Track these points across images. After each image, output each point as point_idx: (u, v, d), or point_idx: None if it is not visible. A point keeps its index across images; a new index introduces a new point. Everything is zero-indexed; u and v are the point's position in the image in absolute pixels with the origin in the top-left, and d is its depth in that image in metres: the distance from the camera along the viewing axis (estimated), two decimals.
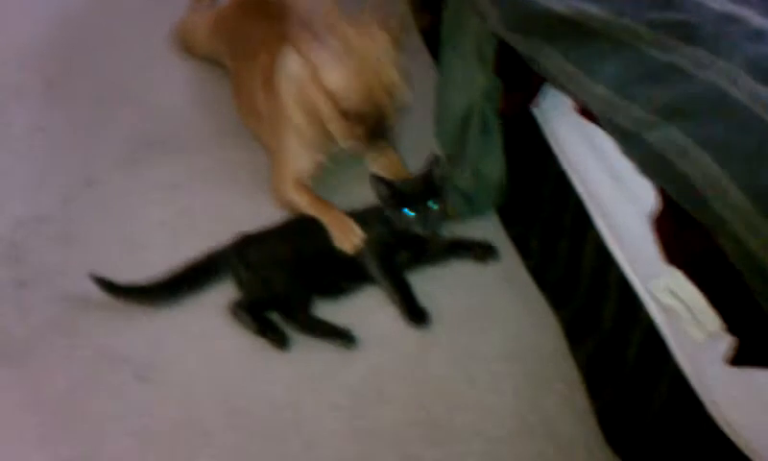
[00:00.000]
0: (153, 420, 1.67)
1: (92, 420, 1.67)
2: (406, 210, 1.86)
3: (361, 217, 1.94)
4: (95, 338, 1.82)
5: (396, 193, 1.88)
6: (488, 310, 1.91)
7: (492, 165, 1.99)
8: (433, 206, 1.87)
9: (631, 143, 1.23)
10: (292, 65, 2.00)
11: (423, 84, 2.14)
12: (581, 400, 1.71)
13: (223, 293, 1.90)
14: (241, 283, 1.88)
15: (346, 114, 1.89)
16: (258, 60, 2.19)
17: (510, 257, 2.02)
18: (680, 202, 1.12)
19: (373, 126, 1.90)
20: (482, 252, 2.00)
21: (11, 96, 2.52)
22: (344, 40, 1.86)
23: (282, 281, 1.84)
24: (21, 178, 2.22)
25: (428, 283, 1.95)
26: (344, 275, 1.92)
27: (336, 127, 1.94)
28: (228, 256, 1.91)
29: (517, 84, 1.76)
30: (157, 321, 1.85)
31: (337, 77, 1.87)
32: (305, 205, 2.03)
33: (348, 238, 1.90)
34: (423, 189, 1.88)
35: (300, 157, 2.08)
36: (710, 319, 1.14)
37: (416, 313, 1.86)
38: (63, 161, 2.28)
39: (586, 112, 1.47)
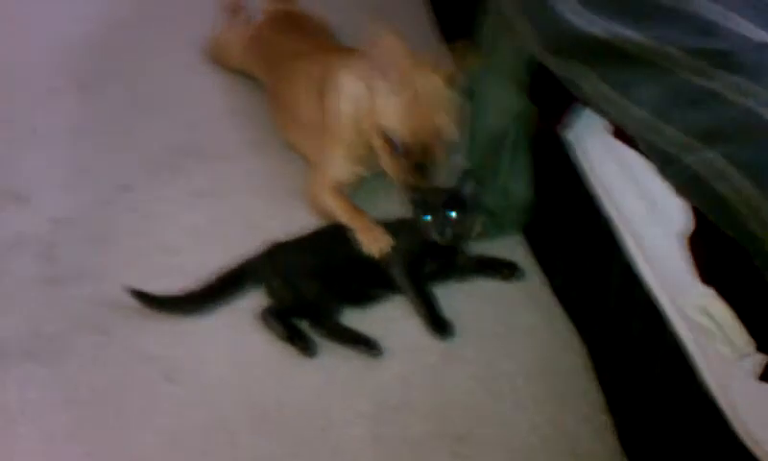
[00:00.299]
0: (181, 421, 1.70)
1: (122, 419, 1.70)
2: (426, 216, 1.89)
3: (391, 227, 1.97)
4: (126, 338, 1.85)
5: (419, 197, 1.91)
6: (512, 327, 1.93)
7: (521, 185, 2.02)
8: (450, 214, 1.88)
9: (670, 166, 1.25)
10: (351, 87, 2.07)
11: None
12: (603, 417, 1.73)
13: (253, 298, 1.93)
14: (271, 290, 1.92)
15: (393, 146, 1.95)
16: (301, 71, 2.26)
17: (535, 275, 2.04)
18: (717, 223, 1.14)
19: (419, 161, 1.95)
20: (508, 272, 2.02)
21: (45, 98, 2.58)
22: (403, 76, 1.92)
23: (312, 289, 1.87)
24: (57, 179, 2.27)
25: (453, 298, 1.97)
26: (372, 283, 1.95)
27: (384, 157, 2.00)
28: (259, 264, 1.94)
29: (550, 106, 1.79)
30: (187, 323, 1.88)
31: (390, 109, 1.94)
32: (340, 211, 2.07)
33: (376, 244, 1.94)
34: (446, 199, 1.91)
35: (341, 168, 2.14)
36: (742, 338, 1.17)
37: (439, 324, 1.88)
38: (98, 165, 2.33)
39: (619, 134, 1.50)
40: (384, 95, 1.95)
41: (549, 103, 1.76)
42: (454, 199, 1.91)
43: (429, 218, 1.88)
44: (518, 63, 1.80)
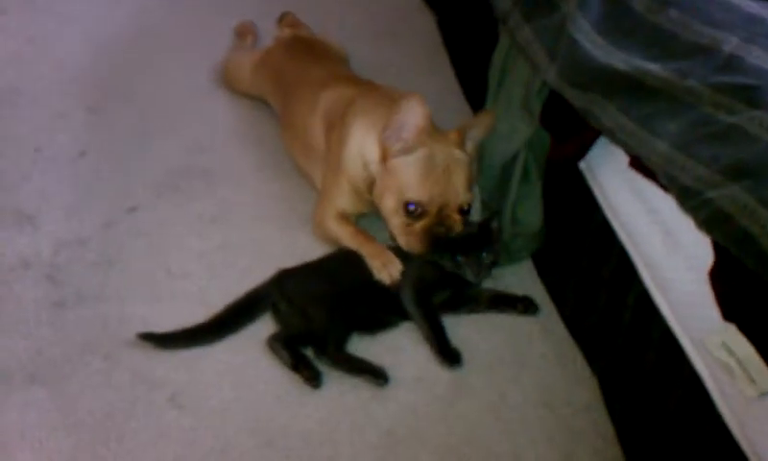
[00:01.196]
0: (186, 447, 1.67)
1: (124, 445, 1.67)
2: (458, 257, 1.87)
3: (401, 252, 1.95)
4: (131, 362, 1.82)
5: (451, 239, 1.90)
6: (522, 358, 1.91)
7: (531, 214, 2.01)
8: (485, 256, 1.88)
9: (691, 199, 1.24)
10: (361, 134, 2.04)
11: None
12: (614, 452, 1.70)
13: (260, 325, 1.91)
14: (279, 316, 1.89)
15: (406, 208, 1.92)
16: (311, 98, 2.25)
17: (545, 306, 2.02)
18: (742, 258, 1.13)
19: (430, 226, 1.91)
20: (523, 307, 2.00)
21: (54, 120, 2.57)
22: (420, 137, 1.91)
23: (320, 316, 1.85)
24: (63, 201, 2.25)
25: (462, 328, 1.95)
26: (381, 309, 1.93)
27: (393, 220, 1.96)
28: (267, 291, 1.92)
29: (568, 136, 1.78)
30: (193, 349, 1.86)
31: (406, 170, 1.92)
32: (347, 237, 2.05)
33: (387, 269, 1.92)
34: (479, 239, 1.90)
35: (345, 201, 2.11)
36: (764, 376, 1.14)
37: (448, 353, 1.86)
38: (105, 187, 2.31)
39: (638, 166, 1.48)
40: (399, 155, 1.93)
41: (573, 133, 1.74)
42: (486, 238, 1.91)
43: (461, 259, 1.87)
44: (531, 92, 1.79)
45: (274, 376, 1.81)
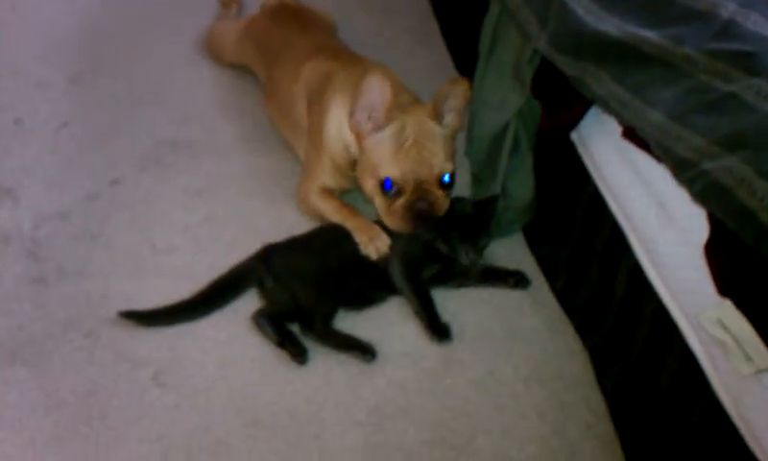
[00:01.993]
0: (170, 426, 1.64)
1: (108, 423, 1.64)
2: (454, 241, 1.85)
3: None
4: (114, 340, 1.79)
5: (447, 220, 1.87)
6: (512, 331, 1.88)
7: (521, 185, 1.97)
8: (482, 240, 1.87)
9: (686, 171, 1.20)
10: (338, 115, 1.99)
11: None
12: (606, 427, 1.68)
13: (244, 301, 1.88)
14: (265, 293, 1.86)
15: (383, 188, 1.87)
16: (294, 70, 2.20)
17: (535, 279, 1.99)
18: (739, 232, 1.09)
19: (411, 203, 1.85)
20: (514, 281, 1.96)
21: (35, 91, 2.52)
22: (388, 115, 1.85)
23: (307, 292, 1.82)
24: (44, 173, 2.21)
25: (452, 301, 1.92)
26: (370, 284, 1.90)
27: (377, 200, 1.91)
28: (252, 266, 1.88)
29: (560, 106, 1.73)
30: (177, 326, 1.83)
31: (379, 150, 1.87)
32: (331, 211, 2.01)
33: (374, 244, 1.88)
34: (476, 222, 1.88)
35: (329, 176, 2.07)
36: (761, 354, 1.12)
37: (437, 329, 1.83)
38: (87, 159, 2.27)
39: (631, 137, 1.44)
40: (371, 134, 1.87)
41: (566, 103, 1.70)
42: (481, 221, 1.89)
43: (457, 243, 1.86)
44: (522, 60, 1.74)
45: (259, 354, 1.78)
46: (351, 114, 1.88)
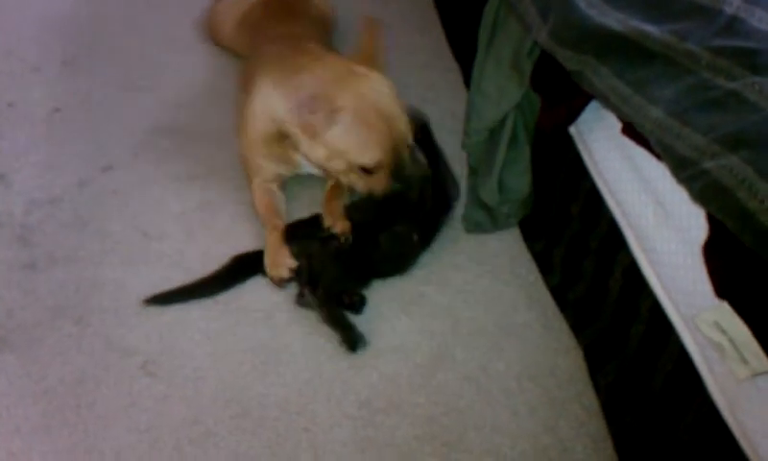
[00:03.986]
0: (158, 416, 1.62)
1: (96, 412, 1.62)
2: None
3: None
4: (104, 328, 1.77)
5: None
6: (506, 327, 1.86)
7: (519, 179, 1.95)
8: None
9: (686, 169, 1.18)
10: (266, 101, 1.90)
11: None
12: (598, 425, 1.66)
13: (235, 294, 1.87)
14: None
15: (364, 168, 1.80)
16: (259, 58, 2.11)
17: (531, 274, 1.98)
18: (739, 234, 1.07)
19: (394, 169, 1.81)
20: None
21: (28, 75, 2.49)
22: (339, 103, 1.75)
23: (321, 259, 1.83)
24: (36, 158, 2.18)
25: (446, 296, 1.91)
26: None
27: (355, 181, 1.85)
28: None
29: (559, 100, 1.71)
30: (168, 315, 1.81)
31: (348, 139, 1.77)
32: (261, 213, 1.98)
33: (277, 269, 1.84)
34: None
35: (265, 161, 2.01)
36: (758, 358, 1.10)
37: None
38: (80, 145, 2.24)
39: (631, 133, 1.42)
40: (329, 129, 1.76)
41: (565, 97, 1.67)
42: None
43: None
44: (521, 53, 1.72)
45: (250, 345, 1.76)
46: (295, 114, 1.77)
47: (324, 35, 2.39)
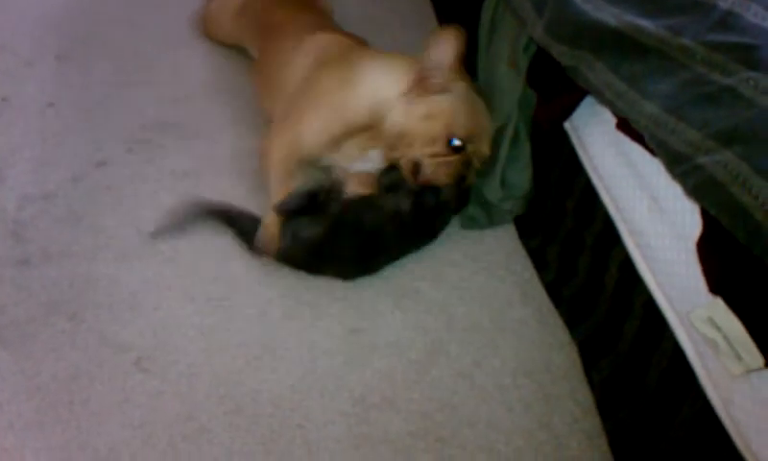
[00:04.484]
0: (152, 412, 1.61)
1: (90, 408, 1.61)
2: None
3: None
4: (98, 324, 1.76)
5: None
6: (500, 323, 1.86)
7: (520, 175, 1.95)
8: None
9: (680, 165, 1.18)
10: (375, 89, 1.89)
11: None
12: (593, 421, 1.66)
13: (228, 289, 1.86)
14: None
15: (447, 142, 1.80)
16: (301, 42, 2.13)
17: (526, 270, 1.98)
18: (732, 229, 1.07)
19: (467, 161, 1.84)
20: None
21: (20, 68, 2.47)
22: (456, 78, 1.81)
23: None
24: (29, 153, 2.17)
25: (441, 292, 1.90)
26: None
27: (427, 149, 1.82)
28: None
29: (554, 95, 1.71)
30: (162, 311, 1.80)
31: (456, 106, 1.81)
32: (274, 180, 1.97)
33: (266, 247, 1.88)
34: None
35: (316, 134, 1.96)
36: (752, 354, 1.10)
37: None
38: (74, 140, 2.23)
39: (625, 129, 1.42)
40: (437, 91, 1.81)
41: (560, 92, 1.67)
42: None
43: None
44: (518, 50, 1.72)
45: (244, 341, 1.75)
46: (421, 70, 1.80)
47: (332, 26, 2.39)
